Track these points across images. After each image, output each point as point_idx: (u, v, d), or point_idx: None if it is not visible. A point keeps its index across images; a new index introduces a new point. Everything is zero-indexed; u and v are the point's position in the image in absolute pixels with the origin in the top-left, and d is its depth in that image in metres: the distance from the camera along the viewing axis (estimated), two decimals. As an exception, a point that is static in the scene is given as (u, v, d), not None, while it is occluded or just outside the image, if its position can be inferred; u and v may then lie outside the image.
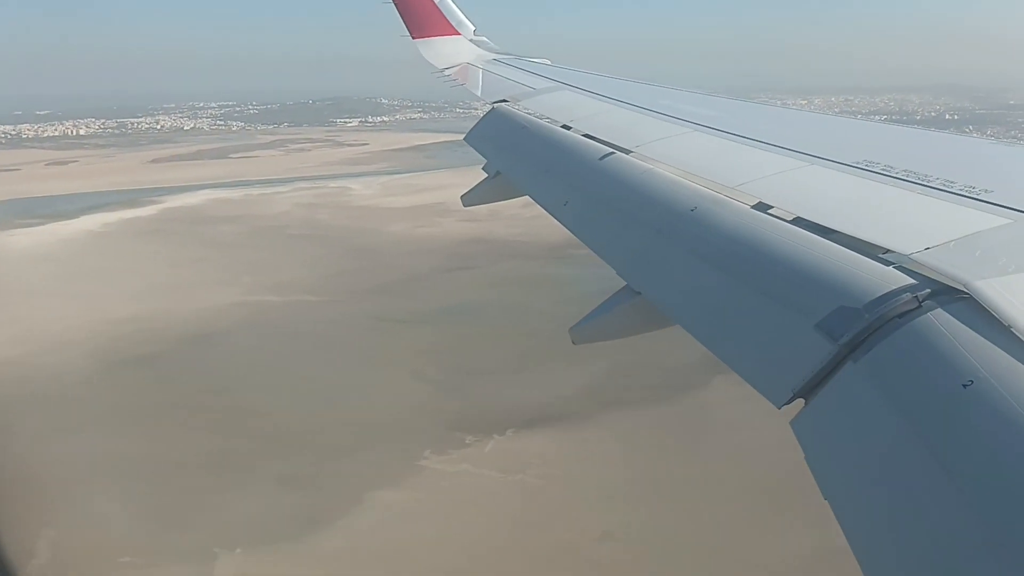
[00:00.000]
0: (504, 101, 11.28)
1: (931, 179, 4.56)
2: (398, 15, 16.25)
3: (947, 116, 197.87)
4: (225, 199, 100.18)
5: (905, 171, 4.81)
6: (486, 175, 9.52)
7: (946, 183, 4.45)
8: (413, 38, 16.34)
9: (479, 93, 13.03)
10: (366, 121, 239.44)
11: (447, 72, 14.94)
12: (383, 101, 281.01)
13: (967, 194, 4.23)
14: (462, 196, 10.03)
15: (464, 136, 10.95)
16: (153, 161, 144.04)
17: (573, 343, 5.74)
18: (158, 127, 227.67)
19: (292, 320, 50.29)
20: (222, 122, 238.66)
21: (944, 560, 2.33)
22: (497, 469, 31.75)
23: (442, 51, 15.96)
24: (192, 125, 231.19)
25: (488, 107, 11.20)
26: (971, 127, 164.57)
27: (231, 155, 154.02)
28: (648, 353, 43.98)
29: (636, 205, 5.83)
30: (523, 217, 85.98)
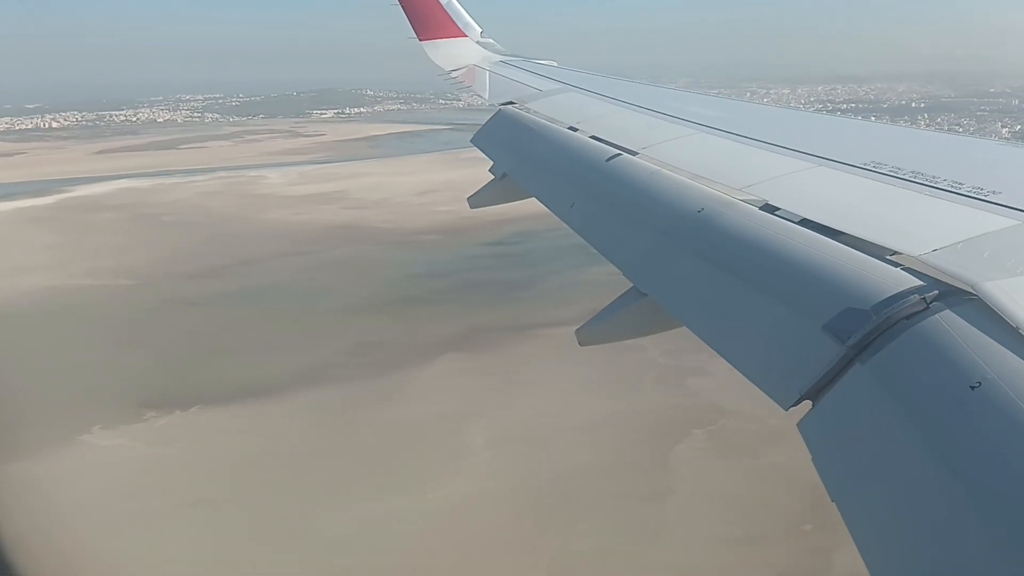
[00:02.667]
0: (511, 103, 11.12)
1: (939, 180, 4.55)
2: (405, 17, 16.27)
3: (912, 104, 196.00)
4: (133, 188, 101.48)
5: (913, 172, 4.80)
6: (492, 176, 9.34)
7: (954, 184, 4.44)
8: (420, 40, 16.27)
9: (486, 95, 12.83)
10: (342, 112, 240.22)
11: (454, 74, 14.91)
12: (368, 92, 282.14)
13: (975, 195, 4.21)
14: (468, 198, 9.60)
15: (471, 138, 10.84)
16: (99, 152, 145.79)
17: (580, 344, 5.62)
18: (134, 119, 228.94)
19: (85, 303, 51.38)
20: (199, 114, 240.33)
21: (952, 562, 2.35)
22: (149, 443, 32.63)
23: (449, 53, 15.92)
24: (168, 117, 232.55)
25: (495, 109, 11.25)
26: (925, 115, 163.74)
27: (181, 146, 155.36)
28: (401, 332, 44.85)
29: (643, 207, 5.75)
30: (410, 205, 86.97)
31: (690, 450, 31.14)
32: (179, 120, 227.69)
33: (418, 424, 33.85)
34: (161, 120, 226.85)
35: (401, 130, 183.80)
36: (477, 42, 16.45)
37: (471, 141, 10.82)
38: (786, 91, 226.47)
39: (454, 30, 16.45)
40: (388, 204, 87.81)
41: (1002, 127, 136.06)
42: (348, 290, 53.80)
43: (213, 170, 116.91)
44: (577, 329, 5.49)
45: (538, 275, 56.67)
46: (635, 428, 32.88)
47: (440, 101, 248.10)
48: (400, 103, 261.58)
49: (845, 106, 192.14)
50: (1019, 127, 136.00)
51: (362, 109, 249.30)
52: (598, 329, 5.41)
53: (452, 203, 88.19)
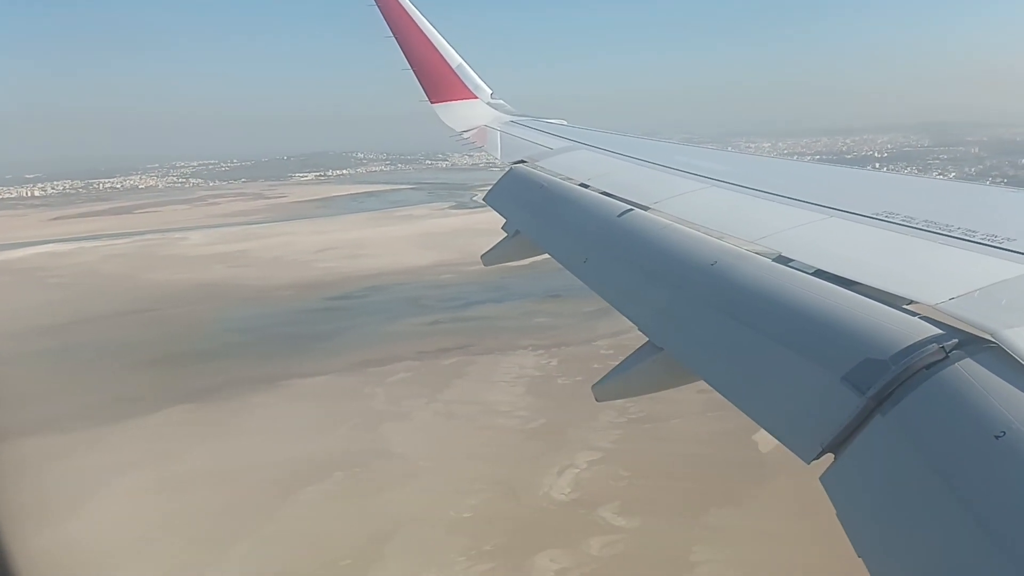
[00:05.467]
0: (522, 161, 11.14)
1: (952, 229, 4.54)
2: (416, 81, 16.63)
3: (875, 155, 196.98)
4: (53, 252, 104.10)
5: (926, 221, 4.80)
6: (505, 234, 9.43)
7: (967, 232, 4.44)
8: (432, 103, 16.62)
9: (497, 155, 12.90)
10: (323, 175, 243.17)
11: (465, 135, 15.21)
12: (358, 155, 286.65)
13: (990, 243, 4.21)
14: (482, 255, 9.68)
15: (483, 196, 10.92)
16: (53, 219, 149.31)
17: (596, 400, 5.51)
18: (119, 186, 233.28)
19: None
20: (184, 180, 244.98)
21: None
22: None
23: (460, 115, 16.22)
24: (151, 184, 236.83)
25: (505, 167, 11.33)
26: (876, 164, 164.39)
27: (137, 211, 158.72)
28: (162, 386, 45.55)
29: (656, 261, 5.78)
30: (296, 263, 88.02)
31: (316, 492, 31.28)
32: (160, 186, 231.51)
33: (83, 474, 34.28)
34: (143, 186, 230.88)
35: (362, 190, 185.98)
36: (488, 103, 16.75)
37: (483, 199, 10.92)
38: (766, 145, 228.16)
39: (465, 92, 16.75)
40: (277, 262, 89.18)
41: (939, 174, 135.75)
42: (152, 346, 54.68)
43: (143, 233, 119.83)
44: (593, 385, 5.40)
45: (346, 328, 57.31)
46: (291, 471, 33.07)
47: (427, 162, 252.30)
48: (385, 164, 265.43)
49: (810, 157, 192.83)
50: (953, 174, 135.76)
51: (345, 171, 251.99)
52: (613, 384, 5.36)
53: (339, 259, 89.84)
